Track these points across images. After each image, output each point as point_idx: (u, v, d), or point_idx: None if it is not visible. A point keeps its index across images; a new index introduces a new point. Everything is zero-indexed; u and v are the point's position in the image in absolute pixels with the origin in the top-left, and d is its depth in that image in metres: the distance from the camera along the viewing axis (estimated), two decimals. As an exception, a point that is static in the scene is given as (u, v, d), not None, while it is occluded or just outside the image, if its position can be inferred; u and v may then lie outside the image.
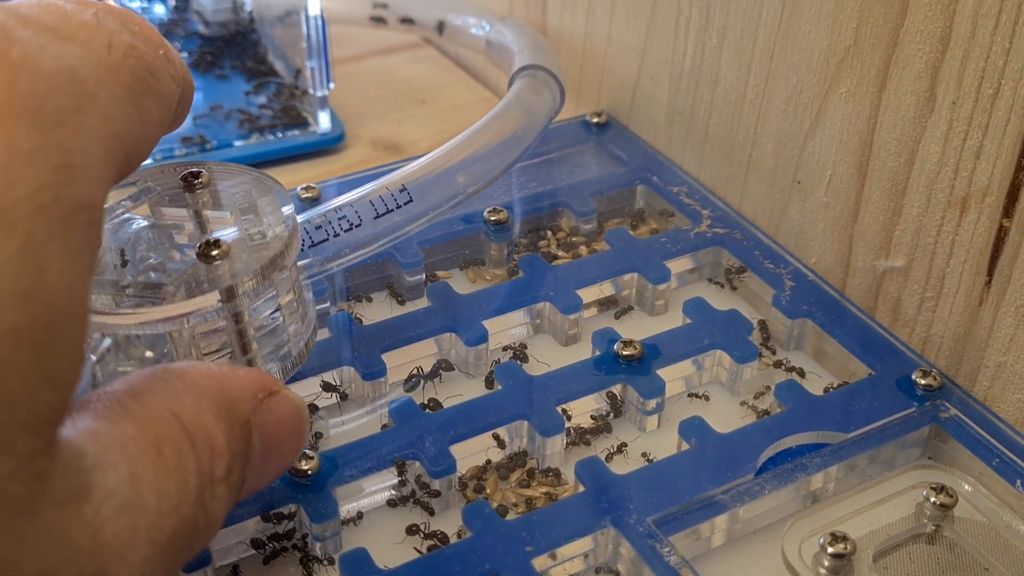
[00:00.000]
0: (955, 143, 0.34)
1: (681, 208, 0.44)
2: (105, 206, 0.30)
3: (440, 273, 0.42)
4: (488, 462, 0.34)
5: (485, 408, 0.34)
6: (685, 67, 0.45)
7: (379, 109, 0.55)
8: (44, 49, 0.19)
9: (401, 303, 0.40)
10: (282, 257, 0.29)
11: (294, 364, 0.32)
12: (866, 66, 0.36)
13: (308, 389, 0.36)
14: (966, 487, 0.33)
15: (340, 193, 0.36)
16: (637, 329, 0.39)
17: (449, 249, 0.42)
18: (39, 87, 0.19)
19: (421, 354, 0.38)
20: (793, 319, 0.39)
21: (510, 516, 0.32)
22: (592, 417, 0.36)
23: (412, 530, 0.32)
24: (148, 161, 0.48)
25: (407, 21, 0.55)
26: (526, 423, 0.34)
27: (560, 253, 0.43)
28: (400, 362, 0.37)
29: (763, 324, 0.39)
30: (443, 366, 0.37)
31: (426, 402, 0.36)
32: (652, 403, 0.35)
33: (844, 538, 0.30)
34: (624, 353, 0.36)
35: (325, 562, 0.31)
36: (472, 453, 0.34)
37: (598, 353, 0.37)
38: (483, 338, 0.37)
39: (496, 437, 0.34)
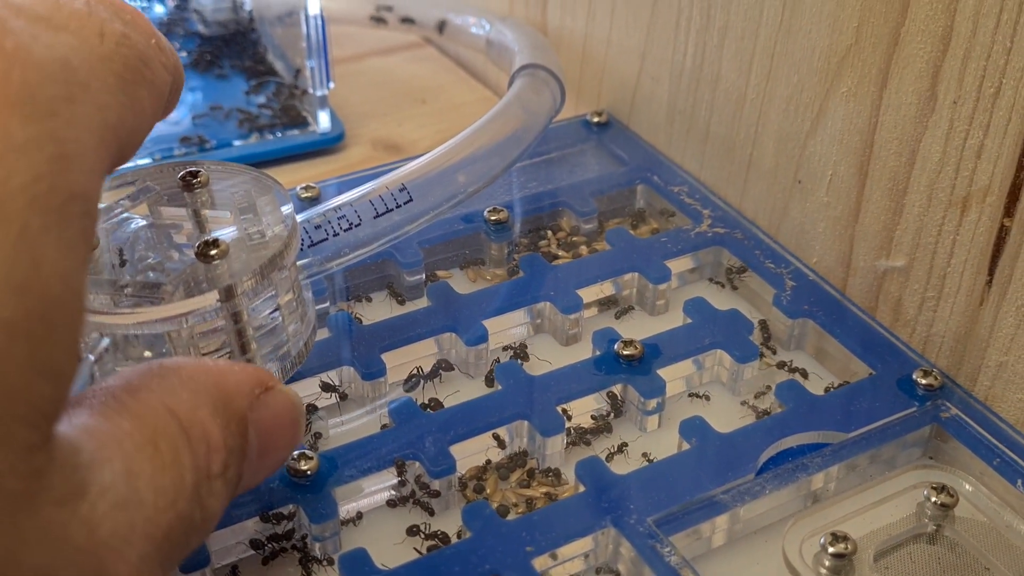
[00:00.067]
0: (956, 142, 0.34)
1: (682, 208, 0.44)
2: (103, 205, 0.31)
3: (440, 273, 0.42)
4: (488, 462, 0.34)
5: (485, 408, 0.34)
6: (686, 66, 0.45)
7: (379, 109, 0.55)
8: (36, 39, 0.19)
9: (401, 303, 0.40)
10: (281, 256, 0.29)
11: (293, 364, 0.32)
12: (867, 65, 0.36)
13: (307, 389, 0.35)
14: (967, 487, 0.33)
15: (340, 193, 0.36)
16: (638, 329, 0.39)
17: (449, 249, 0.42)
18: (32, 77, 0.18)
19: (421, 354, 0.37)
20: (794, 319, 0.38)
21: (510, 516, 0.32)
22: (592, 417, 0.36)
23: (413, 531, 0.32)
24: (147, 161, 0.49)
25: (407, 21, 0.55)
26: (526, 423, 0.34)
27: (560, 253, 0.43)
28: (400, 362, 0.37)
29: (764, 324, 0.39)
30: (443, 366, 0.37)
31: (427, 402, 0.35)
32: (652, 403, 0.35)
33: (845, 538, 0.30)
34: (624, 353, 0.36)
35: (324, 563, 0.31)
36: (472, 453, 0.34)
37: (598, 353, 0.37)
38: (483, 338, 0.37)
39: (496, 437, 0.34)
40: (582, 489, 0.32)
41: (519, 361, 0.37)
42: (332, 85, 0.50)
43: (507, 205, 0.43)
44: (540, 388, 0.35)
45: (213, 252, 0.28)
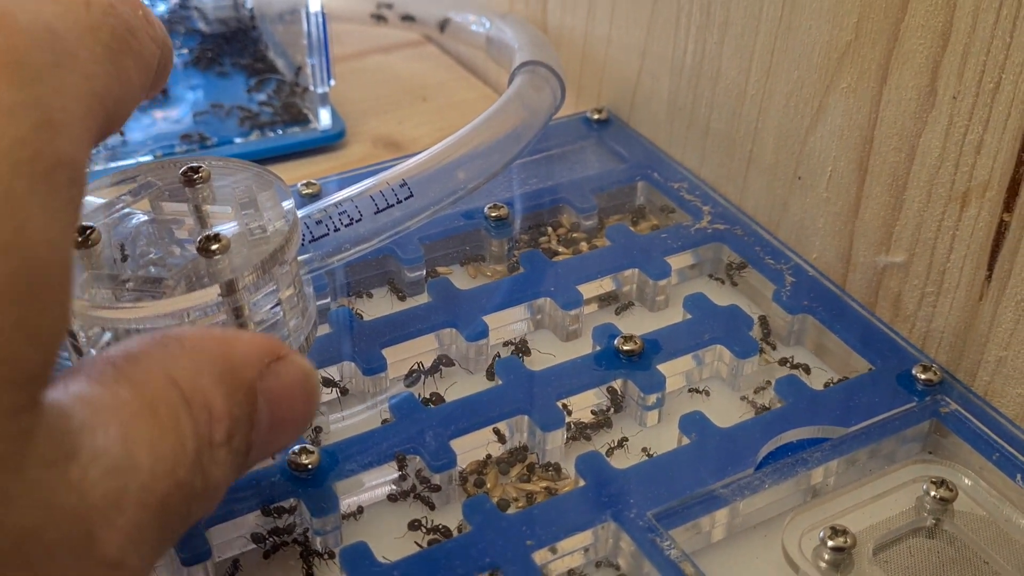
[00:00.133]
0: (956, 138, 0.34)
1: (682, 204, 0.44)
2: (104, 201, 0.31)
3: (441, 269, 0.42)
4: (488, 457, 0.34)
5: (485, 403, 0.34)
6: (686, 63, 0.45)
7: (380, 106, 0.55)
8: (22, 6, 0.19)
9: (402, 298, 0.40)
10: (282, 251, 0.29)
11: (294, 359, 0.32)
12: (867, 61, 0.36)
13: (309, 384, 0.36)
14: (966, 481, 0.33)
15: (341, 190, 0.36)
16: (638, 325, 0.39)
17: (450, 245, 0.42)
18: (18, 43, 0.18)
19: (421, 349, 0.38)
20: (794, 315, 0.39)
21: (510, 510, 0.32)
22: (592, 412, 0.36)
23: (414, 525, 0.32)
24: (148, 158, 0.49)
25: (408, 18, 0.55)
26: (527, 418, 0.34)
27: (561, 249, 0.43)
28: (400, 357, 0.37)
29: (764, 320, 0.39)
30: (443, 361, 0.37)
31: (428, 396, 0.36)
32: (652, 398, 0.35)
33: (844, 532, 0.30)
34: (625, 348, 0.36)
35: (326, 556, 0.31)
36: (472, 448, 0.34)
37: (599, 348, 0.37)
38: (484, 334, 0.37)
39: (497, 432, 0.34)
40: (582, 483, 0.32)
41: (520, 356, 0.38)
42: (333, 82, 0.51)
43: (507, 201, 0.43)
44: (540, 383, 0.35)
45: (214, 247, 0.28)
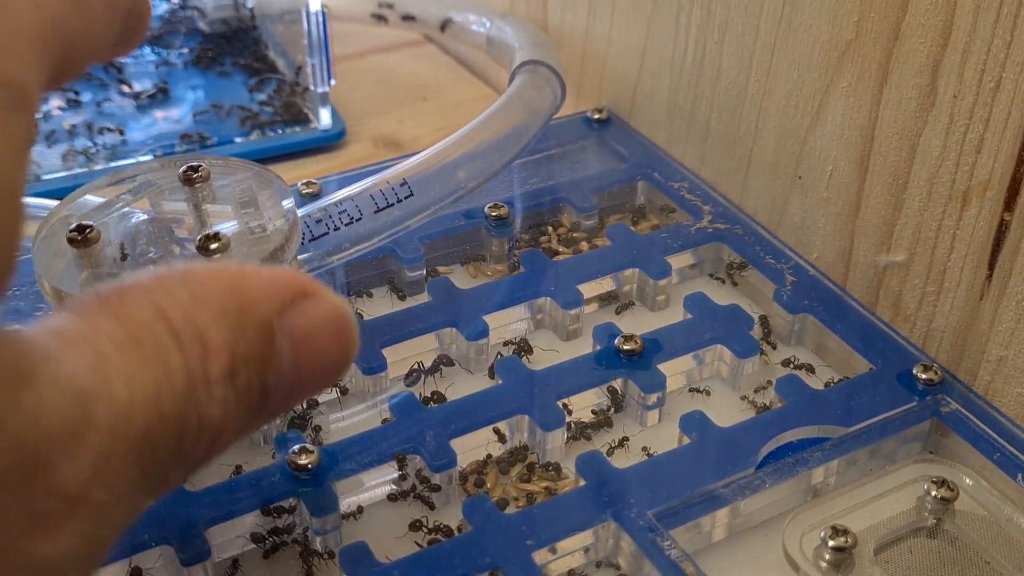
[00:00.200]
0: (956, 137, 0.34)
1: (682, 204, 0.44)
2: (104, 200, 0.31)
3: (441, 268, 0.42)
4: (489, 456, 0.34)
5: (486, 402, 0.34)
6: (686, 63, 0.45)
7: (380, 106, 0.55)
8: None
9: (402, 298, 0.40)
10: (282, 250, 0.29)
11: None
12: (867, 60, 0.36)
13: (309, 384, 0.36)
14: (967, 481, 0.33)
15: (341, 189, 0.36)
16: (638, 324, 0.39)
17: (450, 244, 0.42)
18: None
19: (422, 349, 0.38)
20: (794, 314, 0.38)
21: (510, 510, 0.32)
22: (593, 412, 0.36)
23: (416, 526, 0.32)
24: (148, 157, 0.49)
25: (408, 18, 0.55)
26: (527, 417, 0.34)
27: (561, 248, 0.43)
28: (400, 357, 0.37)
29: (764, 319, 0.39)
30: (444, 361, 0.37)
31: (430, 395, 0.36)
32: (653, 398, 0.35)
33: (845, 532, 0.30)
34: (625, 348, 0.36)
35: (325, 556, 0.31)
36: (473, 447, 0.34)
37: (599, 348, 0.37)
38: (484, 333, 0.37)
39: (497, 431, 0.34)
40: (582, 483, 0.32)
41: (523, 355, 0.37)
42: (333, 82, 0.51)
43: (508, 201, 0.43)
44: (541, 383, 0.35)
45: (214, 246, 0.28)
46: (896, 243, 0.37)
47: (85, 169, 0.48)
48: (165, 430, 0.19)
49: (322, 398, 0.36)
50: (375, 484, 0.33)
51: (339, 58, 0.58)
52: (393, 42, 0.62)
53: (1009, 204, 0.33)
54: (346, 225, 0.35)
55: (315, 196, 0.43)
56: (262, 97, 0.53)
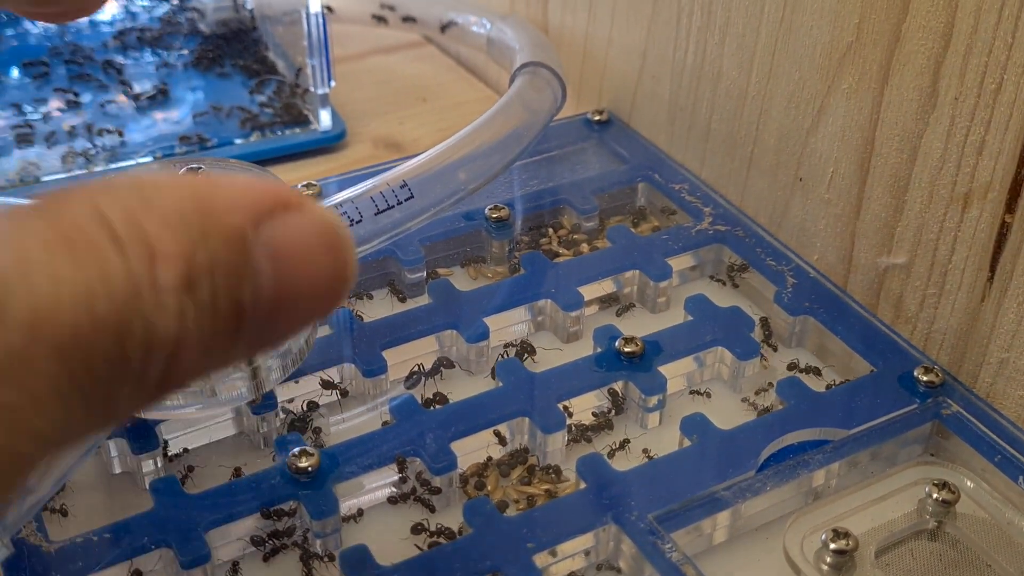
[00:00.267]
0: (957, 139, 0.34)
1: (683, 205, 0.44)
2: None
3: (441, 270, 0.42)
4: (489, 459, 0.34)
5: (486, 405, 0.34)
6: (687, 64, 0.45)
7: (380, 107, 0.55)
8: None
9: (402, 300, 0.40)
10: (282, 253, 0.29)
11: (294, 361, 0.32)
12: (868, 62, 0.36)
13: (308, 386, 0.35)
14: (968, 483, 0.33)
15: (341, 191, 0.36)
16: (639, 326, 0.39)
17: (450, 246, 0.42)
18: None
19: (422, 351, 0.37)
20: (795, 316, 0.38)
21: (511, 513, 0.32)
22: (593, 414, 0.36)
23: (417, 529, 0.32)
24: (147, 159, 0.49)
25: (409, 20, 0.55)
26: (527, 420, 0.34)
27: (561, 250, 0.43)
28: (401, 359, 0.37)
29: (765, 321, 0.39)
30: (444, 363, 0.37)
31: (431, 396, 0.36)
32: (653, 400, 0.35)
33: (846, 534, 0.30)
34: (626, 350, 0.36)
35: (325, 559, 0.31)
36: (473, 450, 0.34)
37: (599, 350, 0.37)
38: (484, 335, 0.37)
39: (497, 434, 0.34)
40: (583, 486, 0.32)
41: (525, 357, 0.37)
42: (333, 83, 0.50)
43: (508, 203, 0.43)
44: (541, 385, 0.35)
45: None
46: (897, 245, 0.37)
47: (85, 171, 0.48)
48: (100, 336, 0.17)
49: (322, 401, 0.36)
50: (375, 487, 0.33)
51: (339, 59, 0.57)
52: (393, 43, 0.62)
53: (1010, 206, 0.33)
54: (346, 227, 0.35)
55: (315, 198, 0.43)
56: (262, 98, 0.53)
